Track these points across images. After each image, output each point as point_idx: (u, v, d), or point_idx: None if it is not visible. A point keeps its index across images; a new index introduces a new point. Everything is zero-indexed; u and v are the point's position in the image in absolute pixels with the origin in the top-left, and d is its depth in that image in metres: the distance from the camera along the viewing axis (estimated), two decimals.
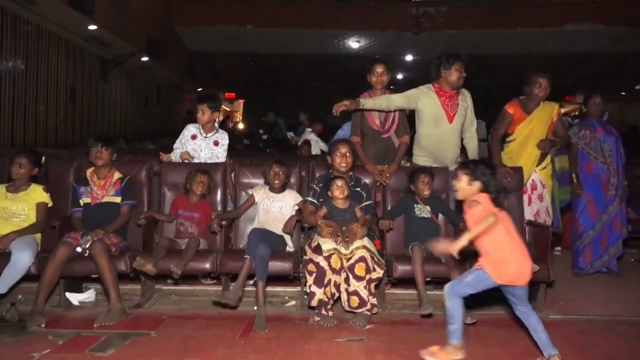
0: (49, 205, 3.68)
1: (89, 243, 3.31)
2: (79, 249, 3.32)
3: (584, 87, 19.38)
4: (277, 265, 3.41)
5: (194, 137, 4.19)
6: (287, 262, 3.44)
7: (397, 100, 3.96)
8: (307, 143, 7.36)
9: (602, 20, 11.70)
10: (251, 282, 3.51)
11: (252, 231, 3.50)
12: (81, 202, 3.68)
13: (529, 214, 4.06)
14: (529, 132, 4.12)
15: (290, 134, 8.69)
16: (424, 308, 3.23)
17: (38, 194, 3.65)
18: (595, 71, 16.05)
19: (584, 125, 4.51)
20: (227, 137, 4.28)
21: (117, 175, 3.73)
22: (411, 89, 4.05)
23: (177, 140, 4.27)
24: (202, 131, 4.20)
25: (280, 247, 3.57)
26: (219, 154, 4.16)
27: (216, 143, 4.17)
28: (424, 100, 3.95)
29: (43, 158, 3.82)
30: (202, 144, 4.17)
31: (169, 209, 3.88)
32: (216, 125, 4.32)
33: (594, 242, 4.41)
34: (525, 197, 4.09)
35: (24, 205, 3.60)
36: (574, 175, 4.47)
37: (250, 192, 3.92)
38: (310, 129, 7.74)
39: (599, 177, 4.42)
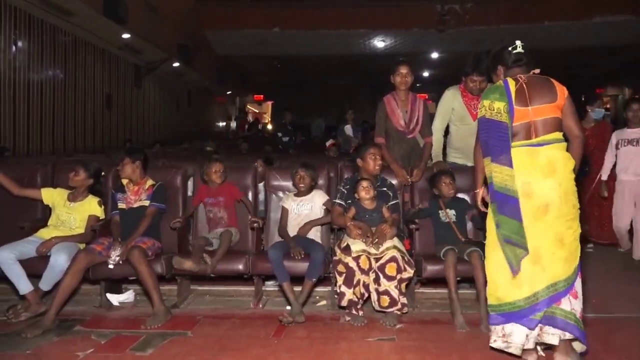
0: (101, 219, 3.83)
1: (117, 258, 3.44)
2: (110, 266, 3.46)
3: (615, 79, 18.80)
4: (298, 266, 3.46)
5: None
6: (304, 262, 3.45)
7: (439, 128, 4.25)
8: (335, 145, 7.40)
9: (633, 10, 11.36)
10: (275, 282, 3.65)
11: (270, 253, 3.50)
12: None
13: None
14: None
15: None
16: (460, 326, 3.20)
17: (92, 207, 3.83)
18: (626, 62, 15.58)
19: None
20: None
21: (149, 182, 3.87)
22: (440, 104, 4.27)
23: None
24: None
25: (311, 248, 3.54)
26: None
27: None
28: (454, 102, 4.20)
29: (102, 173, 3.98)
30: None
31: (192, 201, 4.00)
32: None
33: None
34: None
35: (77, 216, 3.78)
36: None
37: (280, 195, 4.03)
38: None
39: None
